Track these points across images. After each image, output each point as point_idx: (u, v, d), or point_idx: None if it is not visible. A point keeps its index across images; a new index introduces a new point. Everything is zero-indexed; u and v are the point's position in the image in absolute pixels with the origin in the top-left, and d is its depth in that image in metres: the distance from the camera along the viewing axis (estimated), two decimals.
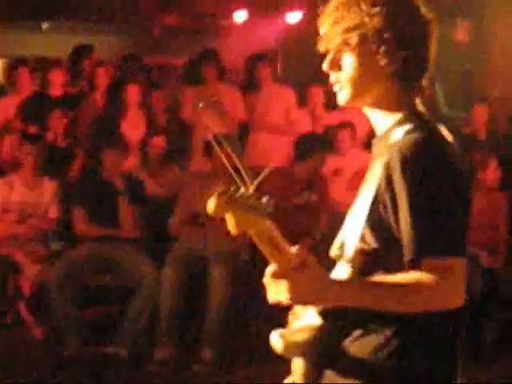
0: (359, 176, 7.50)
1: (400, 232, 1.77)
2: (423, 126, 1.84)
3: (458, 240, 1.75)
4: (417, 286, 1.72)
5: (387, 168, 1.78)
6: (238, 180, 1.73)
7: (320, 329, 1.90)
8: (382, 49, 1.84)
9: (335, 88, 1.93)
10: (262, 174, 1.75)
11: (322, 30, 1.91)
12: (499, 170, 6.08)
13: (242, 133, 6.86)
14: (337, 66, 1.90)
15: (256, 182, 1.73)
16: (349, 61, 1.88)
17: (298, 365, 1.95)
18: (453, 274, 1.71)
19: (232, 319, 5.25)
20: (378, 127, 1.96)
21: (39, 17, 9.97)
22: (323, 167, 6.14)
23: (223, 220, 1.72)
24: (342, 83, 1.90)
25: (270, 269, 1.78)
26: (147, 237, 5.61)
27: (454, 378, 1.86)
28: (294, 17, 9.38)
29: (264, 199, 1.72)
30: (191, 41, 9.37)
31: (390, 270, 1.78)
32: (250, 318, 5.57)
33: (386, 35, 1.83)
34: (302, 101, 7.29)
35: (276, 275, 1.76)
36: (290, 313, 2.04)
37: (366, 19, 1.83)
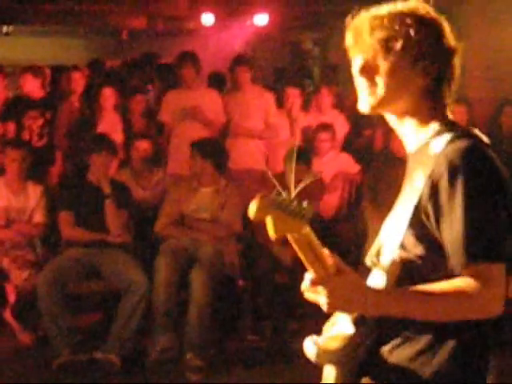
0: (338, 178, 7.40)
1: (443, 240, 1.77)
2: (465, 134, 1.85)
3: (504, 246, 1.75)
4: (459, 294, 1.73)
5: (431, 177, 1.78)
6: (281, 185, 1.73)
7: (353, 337, 1.90)
8: (421, 62, 1.86)
9: (362, 93, 1.92)
10: (305, 181, 1.76)
11: (354, 35, 1.91)
12: None
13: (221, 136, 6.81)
14: (369, 71, 1.89)
15: (298, 189, 1.73)
16: (385, 68, 1.87)
17: (329, 372, 1.94)
18: (494, 280, 1.73)
19: (215, 324, 5.19)
20: (409, 139, 1.96)
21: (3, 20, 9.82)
22: None
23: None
24: (373, 89, 1.89)
25: (309, 276, 1.79)
26: (135, 241, 5.54)
27: None
28: (261, 19, 9.40)
29: (305, 205, 1.72)
30: (160, 44, 9.32)
31: (427, 279, 1.79)
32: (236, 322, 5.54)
33: (425, 49, 1.86)
34: (278, 103, 7.24)
35: (314, 282, 1.77)
36: (328, 321, 2.02)
37: (411, 31, 1.85)
